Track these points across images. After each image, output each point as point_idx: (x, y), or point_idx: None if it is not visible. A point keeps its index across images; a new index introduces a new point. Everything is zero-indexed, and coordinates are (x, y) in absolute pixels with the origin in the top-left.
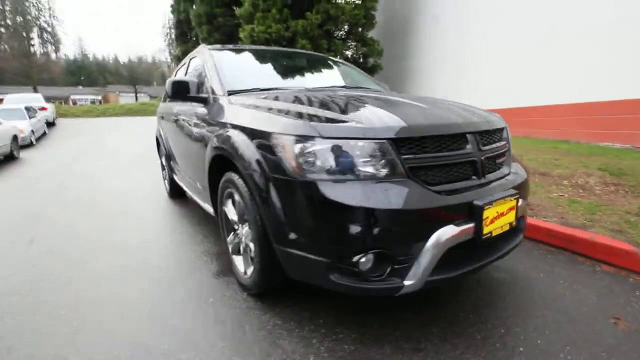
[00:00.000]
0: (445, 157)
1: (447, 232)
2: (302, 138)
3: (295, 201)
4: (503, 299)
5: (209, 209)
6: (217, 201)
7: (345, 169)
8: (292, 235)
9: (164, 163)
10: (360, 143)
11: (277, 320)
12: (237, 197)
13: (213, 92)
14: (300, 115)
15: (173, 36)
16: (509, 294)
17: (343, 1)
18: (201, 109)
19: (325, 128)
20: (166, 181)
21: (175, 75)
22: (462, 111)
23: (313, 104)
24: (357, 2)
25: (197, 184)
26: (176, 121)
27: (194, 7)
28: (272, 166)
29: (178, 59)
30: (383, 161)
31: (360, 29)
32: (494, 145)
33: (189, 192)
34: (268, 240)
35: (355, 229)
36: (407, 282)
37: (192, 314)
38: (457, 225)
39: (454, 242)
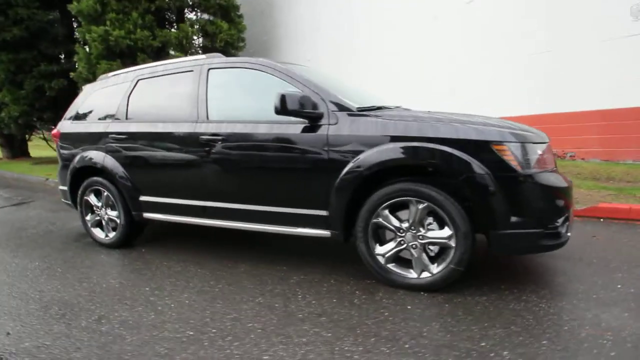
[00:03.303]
0: None
1: None
2: (520, 143)
3: (520, 190)
4: None
5: (321, 232)
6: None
7: (543, 163)
8: (515, 219)
9: (108, 203)
10: (544, 146)
11: (482, 298)
12: (418, 204)
13: (333, 109)
14: (505, 127)
15: None
16: None
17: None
18: (297, 126)
19: (533, 137)
20: (99, 229)
21: (130, 94)
22: None
23: (480, 119)
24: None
25: (283, 209)
26: (223, 141)
27: None
28: (495, 167)
29: None
30: (552, 157)
31: (234, 50)
32: None
33: (238, 225)
34: (475, 230)
35: (560, 202)
36: (569, 234)
37: (427, 332)
38: None
39: None
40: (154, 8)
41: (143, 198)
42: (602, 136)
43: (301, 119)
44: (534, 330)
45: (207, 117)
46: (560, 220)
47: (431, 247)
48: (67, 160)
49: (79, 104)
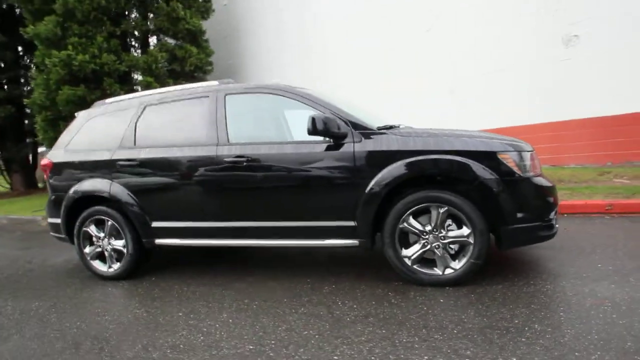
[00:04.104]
0: None
1: None
2: (518, 152)
3: (522, 191)
4: None
5: (350, 242)
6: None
7: (535, 167)
8: (520, 214)
9: (112, 233)
10: (532, 153)
11: (498, 287)
12: (439, 209)
13: (355, 128)
14: (503, 140)
15: None
16: None
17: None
18: (322, 146)
19: (525, 146)
20: (98, 261)
21: (138, 120)
22: None
23: (477, 133)
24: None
25: (313, 223)
26: (249, 162)
27: None
28: (502, 172)
29: None
30: (539, 162)
31: (202, 74)
32: None
33: (267, 242)
34: (486, 229)
35: (551, 199)
36: (557, 226)
37: (467, 318)
38: None
39: None
40: (119, 32)
41: (156, 224)
42: (549, 145)
43: (326, 139)
44: (550, 306)
45: (228, 140)
46: (552, 214)
47: (452, 246)
48: (60, 191)
49: (73, 132)
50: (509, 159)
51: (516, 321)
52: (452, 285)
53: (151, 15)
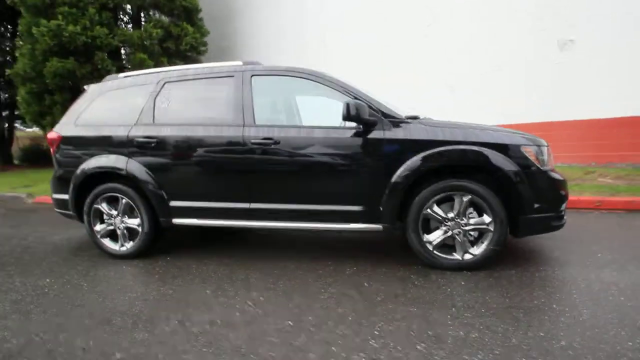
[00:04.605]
0: None
1: None
2: (538, 147)
3: (540, 183)
4: None
5: (374, 227)
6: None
7: (551, 161)
8: (537, 205)
9: (125, 211)
10: (549, 148)
11: (512, 272)
12: (462, 197)
13: (385, 116)
14: (524, 135)
15: None
16: None
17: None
18: (351, 132)
19: (543, 141)
20: (109, 240)
21: (156, 97)
22: None
23: (498, 127)
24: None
25: (339, 207)
26: (277, 144)
27: None
28: (524, 165)
29: None
30: (552, 157)
31: (197, 54)
32: None
33: (290, 224)
34: (506, 217)
35: (563, 191)
36: (566, 217)
37: (490, 299)
38: None
39: None
40: (112, 5)
41: (174, 203)
42: None
43: (356, 126)
44: (564, 289)
45: (254, 122)
46: (564, 205)
47: (471, 233)
48: (70, 167)
49: (84, 106)
50: (531, 152)
51: (536, 302)
52: (471, 270)
53: None
